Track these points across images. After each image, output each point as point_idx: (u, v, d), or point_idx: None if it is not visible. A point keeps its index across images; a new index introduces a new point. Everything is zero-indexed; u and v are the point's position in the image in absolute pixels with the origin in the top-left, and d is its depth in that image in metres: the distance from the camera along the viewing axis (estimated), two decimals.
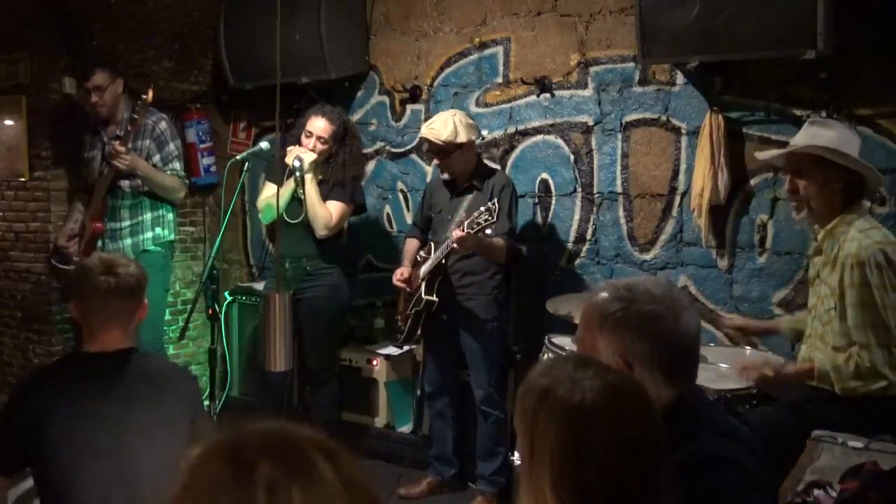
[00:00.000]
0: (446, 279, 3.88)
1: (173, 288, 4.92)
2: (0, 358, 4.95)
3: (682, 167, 3.97)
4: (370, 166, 4.96)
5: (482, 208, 3.46)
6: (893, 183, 3.46)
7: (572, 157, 4.27)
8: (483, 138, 4.34)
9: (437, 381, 4.12)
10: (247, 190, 5.28)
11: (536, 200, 4.38)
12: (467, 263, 3.87)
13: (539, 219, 4.38)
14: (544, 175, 4.36)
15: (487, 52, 4.49)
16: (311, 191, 4.00)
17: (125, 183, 4.23)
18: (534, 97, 4.35)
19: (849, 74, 3.50)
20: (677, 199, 4.00)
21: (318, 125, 4.01)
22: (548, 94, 4.30)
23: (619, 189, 4.15)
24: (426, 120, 4.25)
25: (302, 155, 3.94)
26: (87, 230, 4.23)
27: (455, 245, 3.54)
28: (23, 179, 4.74)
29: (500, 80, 4.46)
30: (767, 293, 3.79)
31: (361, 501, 0.91)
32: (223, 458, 0.89)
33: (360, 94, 4.95)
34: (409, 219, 4.74)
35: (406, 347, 4.34)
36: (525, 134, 4.40)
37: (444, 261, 3.83)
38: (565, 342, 3.45)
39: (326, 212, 4.03)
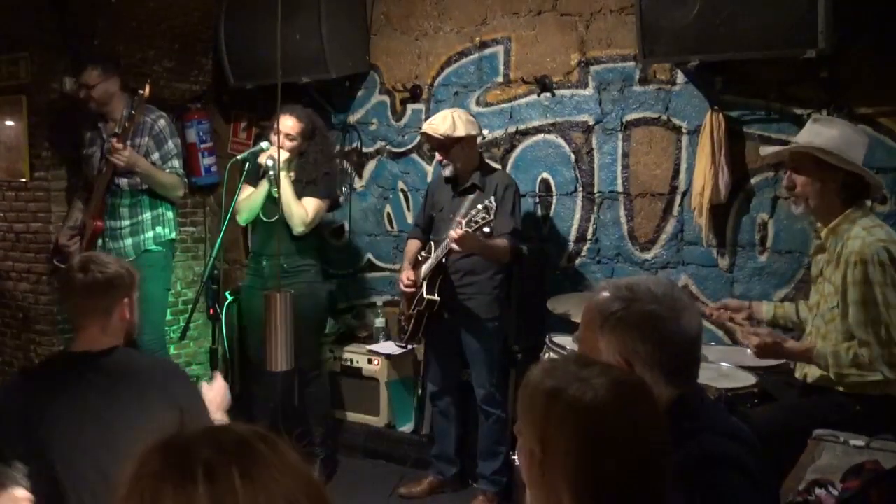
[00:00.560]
0: (447, 278, 3.88)
1: (174, 288, 4.91)
2: (1, 358, 4.95)
3: (683, 166, 3.97)
4: (371, 166, 4.97)
5: (479, 206, 3.47)
6: (895, 182, 3.46)
7: (573, 156, 4.27)
8: (484, 137, 4.34)
9: (440, 380, 4.13)
10: None
11: (537, 200, 4.38)
12: (468, 263, 3.87)
13: (540, 218, 4.38)
14: (545, 174, 4.36)
15: (488, 51, 4.49)
16: (286, 189, 4.04)
17: (123, 181, 4.23)
18: (534, 96, 4.35)
19: (849, 73, 3.50)
20: (678, 199, 4.00)
21: (287, 123, 4.05)
22: (548, 94, 4.30)
23: (619, 188, 4.15)
24: (427, 119, 4.25)
25: (273, 153, 3.96)
26: (88, 229, 4.23)
27: (454, 245, 3.54)
28: (23, 180, 4.73)
29: (500, 79, 4.46)
30: (768, 292, 3.79)
31: (300, 482, 0.91)
32: (161, 452, 0.91)
33: (360, 93, 4.95)
34: (409, 218, 4.75)
35: (409, 347, 4.35)
36: (526, 133, 4.40)
37: (444, 260, 3.83)
38: (566, 341, 3.45)
39: (302, 209, 4.06)
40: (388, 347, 4.58)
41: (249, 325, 4.43)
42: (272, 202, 4.09)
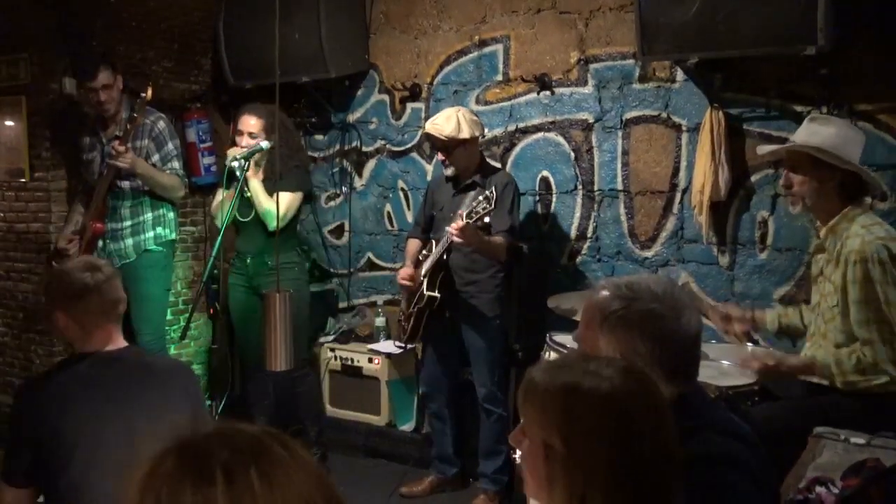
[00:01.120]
0: (448, 275, 3.88)
1: (174, 287, 4.91)
2: (2, 359, 4.95)
3: (683, 164, 3.97)
4: (371, 165, 4.97)
5: (480, 197, 3.46)
6: (894, 179, 3.46)
7: (573, 154, 4.26)
8: (484, 136, 4.34)
9: (433, 381, 4.12)
10: None
11: (537, 198, 4.38)
12: (469, 262, 3.87)
13: (540, 216, 4.38)
14: (545, 173, 4.35)
15: (487, 49, 4.49)
16: (256, 187, 4.05)
17: (125, 183, 4.23)
18: (534, 95, 4.35)
19: (849, 70, 3.49)
20: (678, 196, 4.00)
21: (247, 122, 4.07)
22: (548, 92, 4.30)
23: (619, 186, 4.15)
24: (426, 118, 4.25)
25: (236, 153, 3.97)
26: (88, 231, 4.23)
27: (454, 236, 3.53)
28: (23, 180, 4.73)
29: (499, 77, 4.46)
30: (769, 290, 3.79)
31: (315, 481, 0.92)
32: (178, 452, 0.90)
33: (359, 92, 4.95)
34: (409, 217, 4.75)
35: (409, 347, 4.34)
36: (525, 132, 4.40)
37: (444, 257, 3.83)
38: (566, 340, 3.44)
39: (273, 204, 4.03)
40: (389, 346, 4.57)
41: (237, 323, 4.44)
42: (247, 202, 4.11)
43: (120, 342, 2.34)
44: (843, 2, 3.27)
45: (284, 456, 0.91)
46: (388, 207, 4.94)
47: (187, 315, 3.91)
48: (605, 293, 1.68)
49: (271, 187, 4.05)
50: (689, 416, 1.56)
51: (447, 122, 3.77)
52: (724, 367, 3.14)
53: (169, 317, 4.75)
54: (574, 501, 1.25)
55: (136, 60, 4.82)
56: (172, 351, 4.84)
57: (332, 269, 5.18)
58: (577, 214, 4.28)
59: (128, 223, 4.28)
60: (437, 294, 3.85)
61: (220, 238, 3.67)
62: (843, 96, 3.52)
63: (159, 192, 4.31)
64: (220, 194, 4.18)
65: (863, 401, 2.69)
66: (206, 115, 5.12)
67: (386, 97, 4.88)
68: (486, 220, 3.47)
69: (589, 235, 4.25)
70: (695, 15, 3.46)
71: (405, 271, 3.99)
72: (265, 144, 4.02)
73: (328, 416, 4.61)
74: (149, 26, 4.88)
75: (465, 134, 3.77)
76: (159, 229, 4.36)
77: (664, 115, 4.00)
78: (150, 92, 4.07)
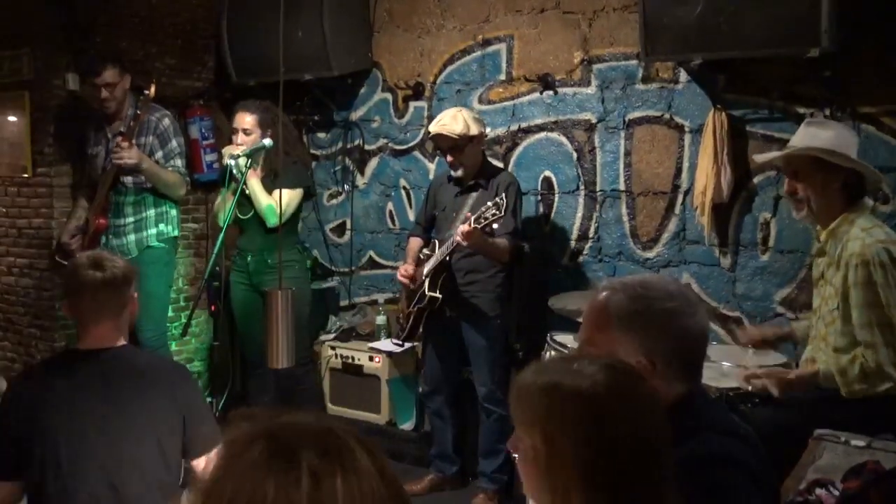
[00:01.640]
0: (450, 276, 3.88)
1: (176, 284, 4.92)
2: (3, 354, 4.95)
3: (685, 165, 3.97)
4: (373, 163, 4.97)
5: (489, 203, 3.46)
6: None
7: (575, 154, 4.26)
8: (486, 135, 4.34)
9: (435, 379, 4.12)
10: None
11: (539, 198, 4.38)
12: (470, 262, 3.87)
13: (542, 216, 4.38)
14: (547, 172, 4.35)
15: (490, 49, 4.48)
16: (254, 184, 4.05)
17: (128, 179, 4.23)
18: (537, 94, 4.35)
19: (852, 72, 3.49)
20: (680, 197, 4.00)
21: (241, 118, 4.07)
22: (551, 92, 4.30)
23: (621, 187, 4.14)
24: (429, 117, 4.26)
25: (234, 152, 3.97)
26: (91, 226, 4.24)
27: (459, 239, 3.53)
28: (26, 176, 4.73)
29: (503, 77, 4.46)
30: (770, 292, 3.79)
31: (394, 492, 0.92)
32: (265, 444, 0.89)
33: (362, 90, 4.95)
34: (411, 216, 4.75)
35: (408, 345, 4.35)
36: (528, 131, 4.40)
37: (447, 258, 3.83)
38: (567, 339, 3.45)
39: (271, 201, 4.05)
40: (390, 345, 4.57)
41: (238, 321, 4.44)
42: (246, 199, 4.11)
43: (116, 340, 2.33)
44: (846, 4, 3.27)
45: (368, 465, 0.89)
46: (390, 206, 4.94)
47: (188, 312, 3.91)
48: (618, 295, 1.65)
49: (270, 185, 4.05)
50: (690, 415, 1.57)
51: (454, 121, 3.77)
52: (724, 368, 3.14)
53: (170, 314, 4.75)
54: (557, 500, 1.26)
55: (139, 57, 4.81)
56: (173, 347, 4.85)
57: (333, 267, 5.18)
58: (579, 214, 4.28)
59: (130, 219, 4.28)
60: (438, 295, 3.85)
61: (221, 236, 3.68)
62: (846, 98, 3.51)
63: (161, 190, 4.31)
64: (225, 192, 4.19)
65: (863, 403, 2.68)
66: (209, 113, 5.12)
67: (389, 96, 4.88)
68: (496, 226, 3.47)
69: (591, 236, 4.24)
70: (698, 16, 3.46)
71: (406, 269, 3.99)
72: (267, 142, 4.02)
73: (328, 415, 4.61)
74: (152, 22, 4.87)
75: (474, 131, 3.78)
76: (162, 226, 4.36)
77: (667, 115, 4.00)
78: (153, 89, 4.07)
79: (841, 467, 2.20)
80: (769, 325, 3.46)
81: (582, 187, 4.25)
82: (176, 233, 4.48)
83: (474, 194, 3.86)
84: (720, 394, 2.83)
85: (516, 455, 1.36)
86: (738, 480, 1.51)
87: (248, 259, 4.24)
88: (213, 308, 5.08)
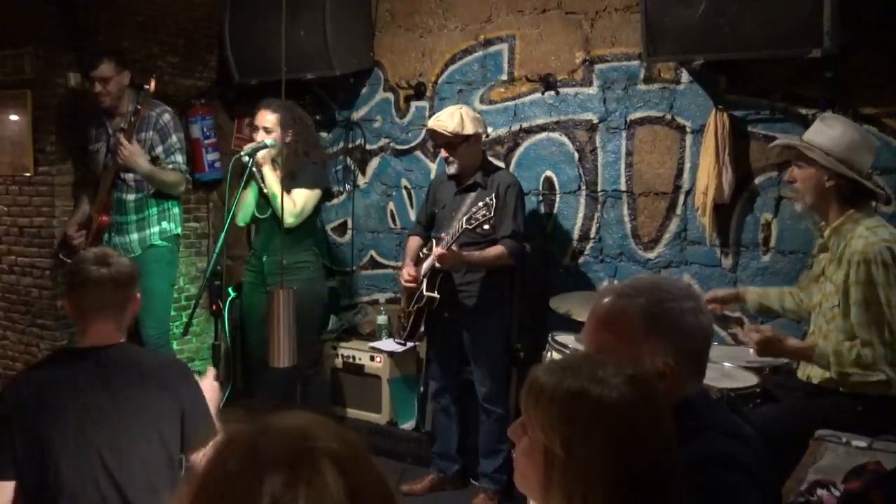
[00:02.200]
0: (448, 276, 3.88)
1: (177, 283, 4.92)
2: (4, 353, 4.96)
3: (687, 165, 3.97)
4: (374, 163, 4.97)
5: (480, 203, 3.47)
6: None
7: (577, 154, 4.26)
8: (488, 135, 4.34)
9: (442, 377, 4.13)
10: None
11: (540, 198, 4.38)
12: None
13: (543, 216, 4.38)
14: (548, 172, 4.35)
15: (492, 49, 4.49)
16: (271, 182, 4.03)
17: (129, 176, 4.23)
18: (538, 95, 4.35)
19: (854, 74, 3.49)
20: (681, 198, 4.00)
21: (263, 116, 4.05)
22: (552, 92, 4.30)
23: (623, 187, 4.15)
24: (430, 117, 4.25)
25: (243, 150, 3.95)
26: (94, 223, 4.24)
27: (437, 264, 3.55)
28: (27, 174, 4.74)
29: (504, 77, 4.46)
30: None
31: (387, 491, 0.92)
32: (239, 456, 0.89)
33: (364, 90, 4.95)
34: (412, 216, 4.75)
35: (409, 344, 4.35)
36: (529, 131, 4.40)
37: None
38: (568, 340, 3.45)
39: (289, 201, 4.03)
40: (391, 344, 4.57)
41: (250, 322, 4.43)
42: (264, 198, 4.10)
43: (117, 338, 2.33)
44: (848, 4, 3.26)
45: (338, 488, 0.89)
46: (392, 205, 4.94)
47: (190, 311, 3.91)
48: (634, 299, 1.61)
49: (287, 184, 4.04)
50: (692, 416, 1.57)
51: (450, 118, 3.78)
52: (725, 368, 3.15)
53: (172, 312, 4.75)
54: None
55: (142, 56, 4.82)
56: (175, 346, 4.85)
57: (334, 267, 5.18)
58: (581, 215, 4.28)
59: (133, 217, 4.28)
60: (436, 295, 3.85)
61: (222, 235, 3.67)
62: (847, 99, 3.51)
63: (161, 189, 4.31)
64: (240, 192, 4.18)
65: (864, 404, 2.69)
66: (211, 112, 5.13)
67: (390, 95, 4.88)
68: (486, 227, 3.47)
69: (592, 236, 4.25)
70: (700, 16, 3.46)
71: (408, 271, 3.98)
72: (269, 142, 4.02)
73: (326, 419, 4.60)
74: (154, 22, 4.88)
75: (469, 130, 3.78)
76: (164, 224, 4.36)
77: (668, 116, 4.00)
78: (153, 84, 4.07)
79: (842, 468, 2.21)
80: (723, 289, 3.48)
81: (583, 187, 4.25)
82: (179, 230, 4.48)
83: (473, 194, 3.86)
84: (721, 394, 2.83)
85: (516, 445, 1.36)
86: (739, 481, 1.51)
87: (264, 259, 4.22)
88: (214, 307, 5.07)
